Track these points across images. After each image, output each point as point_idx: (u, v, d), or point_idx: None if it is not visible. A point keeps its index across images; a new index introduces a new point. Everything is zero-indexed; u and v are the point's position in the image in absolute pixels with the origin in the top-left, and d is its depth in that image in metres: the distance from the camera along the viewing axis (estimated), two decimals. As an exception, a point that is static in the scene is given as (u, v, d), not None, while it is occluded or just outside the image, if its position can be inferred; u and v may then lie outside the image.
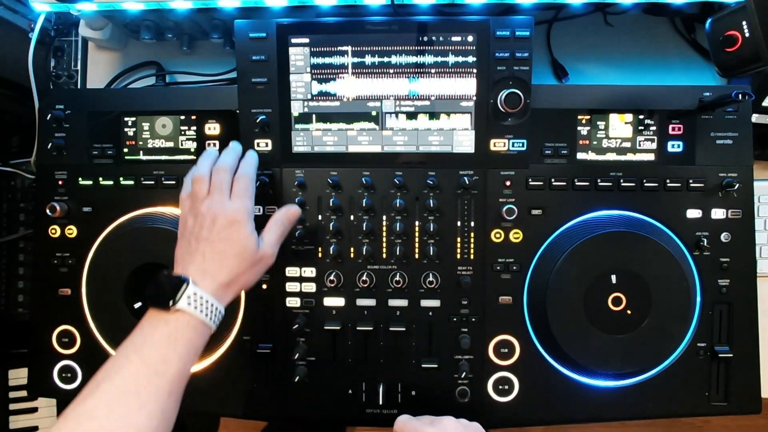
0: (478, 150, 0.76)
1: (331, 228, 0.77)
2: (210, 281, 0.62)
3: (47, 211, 0.78)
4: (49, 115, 0.80)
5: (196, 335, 0.60)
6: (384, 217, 0.77)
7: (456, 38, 0.74)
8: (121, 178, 0.80)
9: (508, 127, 0.76)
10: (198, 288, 0.61)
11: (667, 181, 0.76)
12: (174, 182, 0.79)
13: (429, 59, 0.75)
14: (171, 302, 0.59)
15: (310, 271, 0.78)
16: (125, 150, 0.80)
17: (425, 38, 0.74)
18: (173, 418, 0.58)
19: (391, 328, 0.76)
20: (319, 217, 0.78)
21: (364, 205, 0.77)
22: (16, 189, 0.93)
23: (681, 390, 0.76)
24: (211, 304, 0.61)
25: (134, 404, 0.54)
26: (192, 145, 0.80)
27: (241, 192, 0.68)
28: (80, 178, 0.80)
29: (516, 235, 0.77)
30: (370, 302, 0.77)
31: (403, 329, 0.76)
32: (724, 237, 0.76)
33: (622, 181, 0.76)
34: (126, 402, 0.54)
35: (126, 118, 0.80)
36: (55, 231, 0.80)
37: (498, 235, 0.77)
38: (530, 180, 0.77)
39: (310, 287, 0.78)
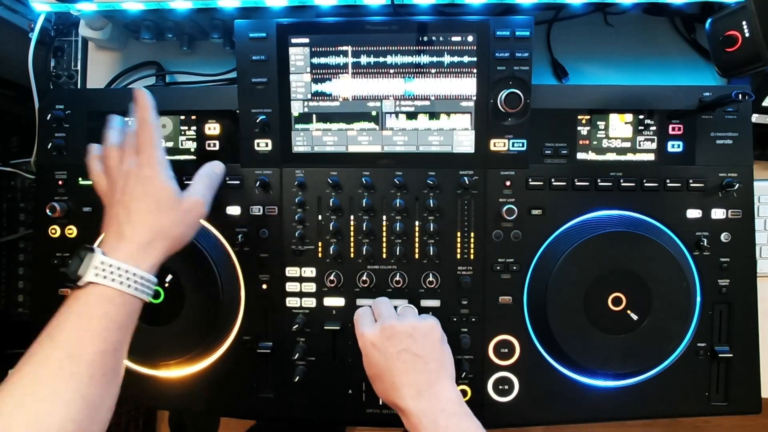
0: (478, 150, 0.76)
1: (331, 228, 0.77)
2: (127, 245, 0.59)
3: (47, 211, 0.78)
4: (49, 115, 0.80)
5: (114, 307, 0.56)
6: (384, 217, 0.77)
7: (456, 38, 0.74)
8: (121, 178, 0.79)
9: (508, 127, 0.76)
10: (107, 256, 0.57)
11: (667, 181, 0.76)
12: (174, 182, 0.79)
13: (429, 59, 0.75)
14: (79, 280, 0.56)
15: (310, 271, 0.78)
16: (125, 150, 0.80)
17: (425, 38, 0.74)
18: (106, 403, 0.54)
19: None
20: (319, 217, 0.78)
21: (364, 205, 0.77)
22: (16, 189, 0.93)
23: (681, 390, 0.76)
24: (126, 270, 0.57)
25: (45, 393, 0.50)
26: (192, 145, 0.80)
27: (146, 143, 0.64)
28: (80, 178, 0.80)
29: (516, 235, 0.77)
30: (371, 302, 0.77)
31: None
32: (724, 237, 0.76)
33: (622, 181, 0.76)
34: (36, 392, 0.50)
35: (126, 118, 0.80)
36: (55, 231, 0.80)
37: (498, 235, 0.77)
38: (530, 180, 0.77)
39: (310, 287, 0.78)
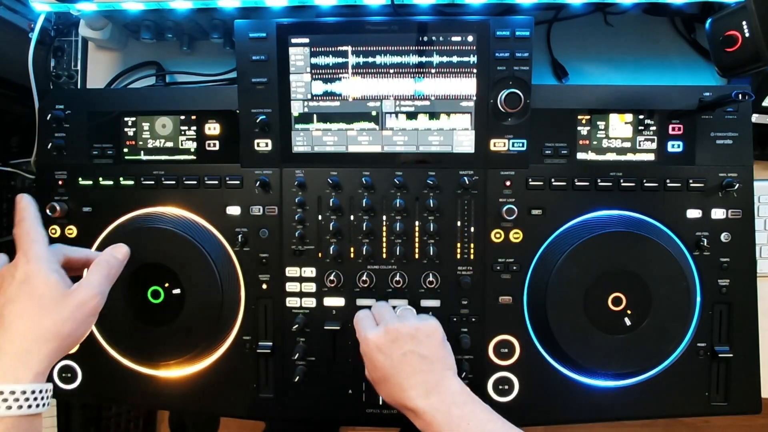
0: (478, 150, 0.76)
1: (331, 228, 0.77)
2: (5, 357, 0.51)
3: (47, 211, 0.78)
4: (49, 115, 0.80)
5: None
6: (384, 217, 0.77)
7: (456, 38, 0.74)
8: (121, 178, 0.79)
9: (508, 127, 0.76)
10: None
11: (667, 181, 0.76)
12: (174, 182, 0.79)
13: (429, 59, 0.75)
14: None
15: (310, 271, 0.78)
16: (125, 150, 0.80)
17: (425, 38, 0.74)
18: None
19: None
20: (319, 217, 0.78)
21: (364, 205, 0.77)
22: (16, 189, 0.93)
23: (681, 390, 0.76)
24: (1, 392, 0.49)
25: None
26: (192, 145, 0.80)
27: (23, 238, 0.58)
28: (80, 178, 0.80)
29: (516, 235, 0.77)
30: (371, 302, 0.77)
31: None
32: (724, 237, 0.76)
33: (622, 181, 0.76)
34: None
35: (126, 118, 0.80)
36: (55, 231, 0.80)
37: (498, 235, 0.77)
38: (530, 180, 0.77)
39: (310, 287, 0.78)
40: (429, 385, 0.63)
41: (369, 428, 0.79)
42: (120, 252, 0.65)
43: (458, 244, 0.77)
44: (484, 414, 0.61)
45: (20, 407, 0.50)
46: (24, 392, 0.50)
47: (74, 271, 0.63)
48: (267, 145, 0.78)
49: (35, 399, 0.51)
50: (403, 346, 0.65)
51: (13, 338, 0.52)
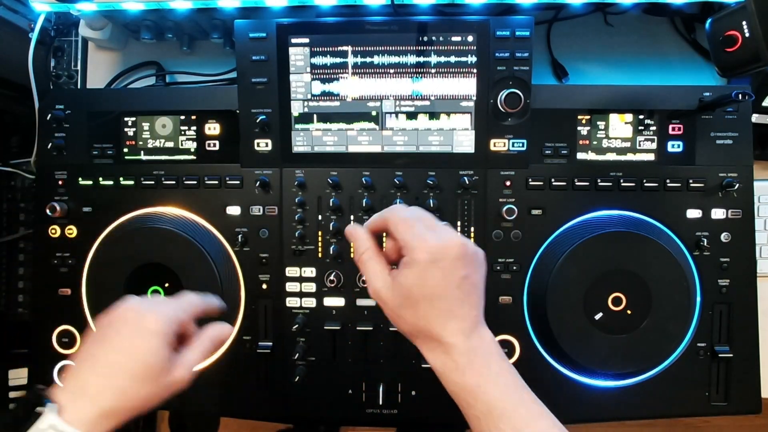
0: (478, 150, 0.76)
1: (331, 228, 0.77)
2: (87, 404, 0.48)
3: (47, 211, 0.78)
4: (49, 115, 0.80)
5: None
6: (384, 217, 0.77)
7: (456, 38, 0.74)
8: (121, 178, 0.79)
9: (508, 127, 0.76)
10: (60, 420, 0.46)
11: (667, 181, 0.76)
12: (174, 182, 0.79)
13: (429, 59, 0.75)
14: None
15: (310, 271, 0.78)
16: (125, 150, 0.80)
17: (425, 38, 0.74)
18: None
19: (391, 328, 0.76)
20: (319, 217, 0.78)
21: (364, 205, 0.76)
22: (16, 189, 0.93)
23: (681, 390, 0.76)
24: None
25: None
26: (192, 145, 0.80)
27: (173, 300, 0.57)
28: (80, 178, 0.80)
29: (516, 235, 0.77)
30: (370, 302, 0.77)
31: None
32: (724, 237, 0.76)
33: (622, 181, 0.76)
34: None
35: (126, 118, 0.80)
36: (55, 231, 0.80)
37: (498, 235, 0.77)
38: (530, 180, 0.77)
39: (310, 287, 0.78)
40: (473, 322, 0.53)
41: (369, 428, 0.79)
42: (226, 333, 0.61)
43: (458, 244, 0.77)
44: (517, 380, 0.54)
45: None
46: None
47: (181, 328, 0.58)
48: (267, 145, 0.78)
49: None
50: (465, 267, 0.52)
51: (110, 393, 0.49)
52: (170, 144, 0.80)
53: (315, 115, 0.77)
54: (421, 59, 0.75)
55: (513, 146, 0.76)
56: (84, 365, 0.51)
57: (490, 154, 0.76)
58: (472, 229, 0.77)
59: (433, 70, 0.75)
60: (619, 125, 0.77)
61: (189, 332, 0.58)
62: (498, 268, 0.77)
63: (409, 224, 0.53)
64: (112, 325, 0.53)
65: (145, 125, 0.80)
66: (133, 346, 0.51)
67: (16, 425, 0.46)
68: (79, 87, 0.92)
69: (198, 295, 0.61)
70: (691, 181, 0.76)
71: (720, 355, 0.75)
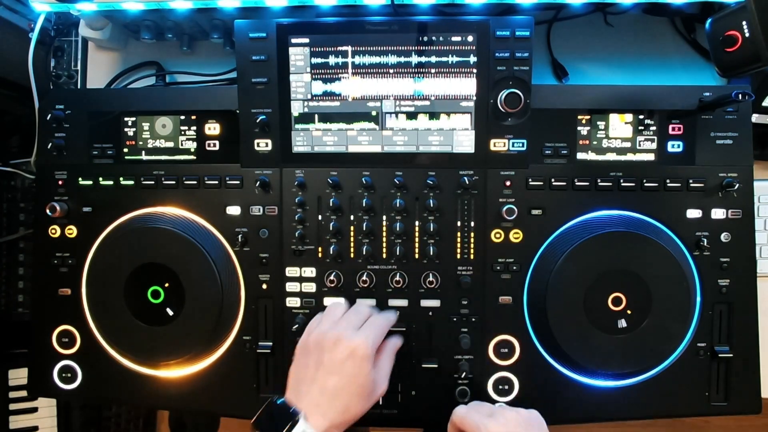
0: (478, 150, 0.76)
1: (331, 228, 0.77)
2: (321, 419, 0.59)
3: (47, 211, 0.78)
4: (49, 115, 0.80)
5: None
6: (384, 217, 0.77)
7: (456, 38, 0.74)
8: (121, 178, 0.80)
9: (508, 127, 0.76)
10: (309, 425, 0.58)
11: (667, 181, 0.76)
12: (174, 182, 0.79)
13: (429, 59, 0.75)
14: None
15: (310, 271, 0.78)
16: (125, 150, 0.80)
17: (425, 38, 0.74)
18: None
19: (390, 328, 0.76)
20: (319, 217, 0.78)
21: (364, 205, 0.76)
22: (16, 189, 0.93)
23: (681, 390, 0.76)
24: None
25: None
26: (192, 145, 0.80)
27: (371, 326, 0.66)
28: (80, 178, 0.80)
29: (516, 235, 0.77)
30: (370, 302, 0.77)
31: (403, 329, 0.76)
32: (724, 237, 0.76)
33: (622, 181, 0.76)
34: None
35: (126, 118, 0.80)
36: (55, 231, 0.80)
37: (498, 235, 0.77)
38: (530, 180, 0.77)
39: (310, 287, 0.78)
40: None
41: (375, 429, 0.79)
42: (400, 343, 0.72)
43: (458, 244, 0.77)
44: None
45: None
46: None
47: None
48: (267, 145, 0.78)
49: None
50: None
51: (338, 410, 0.60)
52: (170, 144, 0.80)
53: (315, 115, 0.77)
54: (421, 59, 0.75)
55: (513, 146, 0.76)
56: (312, 388, 0.61)
57: (490, 154, 0.76)
58: (473, 228, 0.77)
59: (433, 70, 0.75)
60: (619, 125, 0.77)
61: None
62: (498, 268, 0.77)
63: (473, 421, 0.63)
64: (325, 351, 0.62)
65: (145, 125, 0.80)
66: (352, 373, 0.61)
67: (273, 429, 0.58)
68: (79, 87, 0.92)
69: (385, 314, 0.72)
70: (691, 181, 0.76)
71: (720, 355, 0.75)
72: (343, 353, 0.61)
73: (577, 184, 0.77)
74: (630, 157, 0.77)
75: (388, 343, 0.70)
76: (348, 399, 0.61)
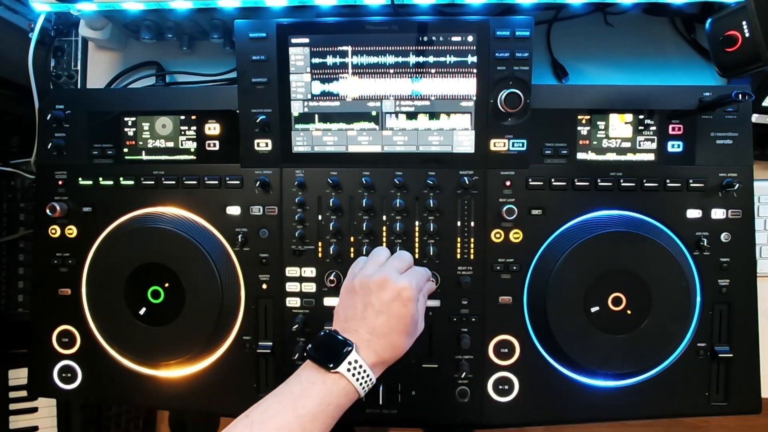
0: (478, 150, 0.76)
1: (331, 228, 0.77)
2: (372, 354, 0.62)
3: (47, 211, 0.78)
4: (49, 115, 0.80)
5: (347, 401, 0.61)
6: (384, 217, 0.77)
7: (456, 38, 0.74)
8: (121, 178, 0.80)
9: (508, 127, 0.76)
10: (360, 357, 0.61)
11: (667, 181, 0.76)
12: (174, 182, 0.79)
13: (429, 59, 0.75)
14: (332, 365, 0.59)
15: (310, 271, 0.78)
16: (125, 150, 0.80)
17: (425, 38, 0.74)
18: None
19: None
20: (319, 217, 0.78)
21: (364, 205, 0.76)
22: (16, 189, 0.93)
23: (681, 390, 0.76)
24: (368, 375, 0.61)
25: None
26: (192, 145, 0.80)
27: (414, 273, 0.67)
28: (80, 178, 0.80)
29: (516, 235, 0.77)
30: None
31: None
32: (724, 237, 0.76)
33: (622, 181, 0.76)
34: None
35: (126, 118, 0.80)
36: (55, 231, 0.80)
37: (498, 235, 0.77)
38: (530, 180, 0.77)
39: (310, 287, 0.78)
40: None
41: (375, 428, 0.79)
42: (433, 288, 0.75)
43: (458, 244, 0.77)
44: None
45: (365, 392, 0.61)
46: (373, 382, 0.62)
47: None
48: (267, 145, 0.78)
49: (368, 385, 0.62)
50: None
51: (387, 348, 0.63)
52: (170, 144, 0.80)
53: (315, 115, 0.77)
54: (421, 59, 0.75)
55: (513, 146, 0.76)
56: (361, 325, 0.63)
57: (490, 154, 0.76)
58: (473, 228, 0.77)
59: (433, 70, 0.75)
60: (619, 125, 0.77)
61: None
62: (498, 268, 0.77)
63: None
64: (372, 292, 0.64)
65: (145, 125, 0.80)
66: (399, 314, 0.63)
67: (327, 358, 0.60)
68: (79, 87, 0.92)
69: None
70: (691, 181, 0.76)
71: (720, 355, 0.75)
72: (390, 294, 0.63)
73: (577, 184, 0.77)
74: (630, 157, 0.77)
75: (425, 287, 0.71)
76: (395, 337, 0.63)
